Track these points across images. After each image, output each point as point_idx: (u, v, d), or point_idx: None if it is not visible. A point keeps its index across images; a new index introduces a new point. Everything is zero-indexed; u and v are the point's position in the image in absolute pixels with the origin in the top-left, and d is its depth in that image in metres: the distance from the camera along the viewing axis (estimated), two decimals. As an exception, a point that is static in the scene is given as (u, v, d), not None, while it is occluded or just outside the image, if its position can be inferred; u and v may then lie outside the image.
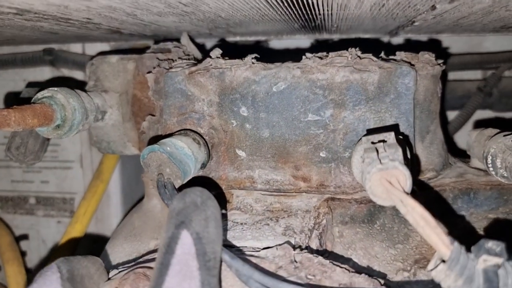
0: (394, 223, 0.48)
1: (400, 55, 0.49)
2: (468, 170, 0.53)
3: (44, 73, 0.81)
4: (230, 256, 0.31)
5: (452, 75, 0.82)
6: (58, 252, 0.77)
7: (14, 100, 0.74)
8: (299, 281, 0.34)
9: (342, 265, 0.36)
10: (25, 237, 0.88)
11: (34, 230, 0.88)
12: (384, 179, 0.33)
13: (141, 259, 0.42)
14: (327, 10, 0.47)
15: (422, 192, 0.49)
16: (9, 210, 0.88)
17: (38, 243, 0.89)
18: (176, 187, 0.40)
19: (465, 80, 0.82)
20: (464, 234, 0.49)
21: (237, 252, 0.37)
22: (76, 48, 0.80)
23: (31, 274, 0.81)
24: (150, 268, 0.36)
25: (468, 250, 0.31)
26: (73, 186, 0.85)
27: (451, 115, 0.82)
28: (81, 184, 0.84)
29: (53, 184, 0.86)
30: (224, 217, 0.44)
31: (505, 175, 0.46)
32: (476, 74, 0.83)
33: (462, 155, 0.58)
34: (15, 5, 0.37)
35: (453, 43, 0.80)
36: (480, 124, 0.58)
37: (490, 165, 0.47)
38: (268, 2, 0.42)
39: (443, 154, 0.52)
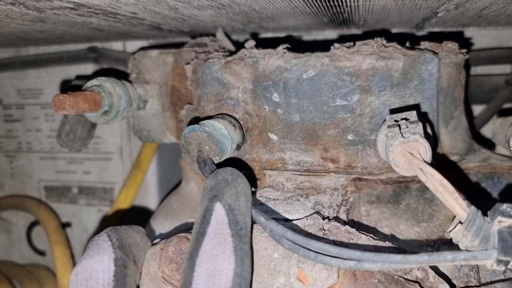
0: (419, 204, 0.50)
1: (424, 44, 0.51)
2: (492, 156, 0.55)
3: (88, 69, 0.87)
4: (265, 217, 0.35)
5: (480, 70, 0.83)
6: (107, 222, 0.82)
7: (66, 88, 0.80)
8: (327, 245, 0.37)
9: (367, 234, 0.39)
10: (68, 224, 0.94)
11: (77, 218, 0.94)
12: (406, 151, 0.35)
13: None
14: (354, 2, 0.50)
15: (449, 174, 0.51)
16: (54, 199, 0.94)
17: (80, 230, 0.94)
18: (215, 163, 0.43)
19: (493, 75, 0.83)
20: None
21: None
22: (117, 46, 0.85)
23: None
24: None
25: (485, 215, 0.33)
26: (113, 176, 0.90)
27: (479, 109, 0.83)
28: (121, 174, 0.89)
29: (94, 174, 0.91)
30: (254, 194, 0.48)
31: (526, 157, 0.48)
32: (505, 69, 0.84)
33: (488, 144, 0.59)
34: (74, -1, 0.42)
35: (482, 38, 0.81)
36: (507, 113, 0.59)
37: (512, 149, 0.49)
38: (299, -6, 0.45)
39: (467, 140, 0.54)
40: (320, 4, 0.50)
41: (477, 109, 0.82)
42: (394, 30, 0.76)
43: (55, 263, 0.77)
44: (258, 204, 0.45)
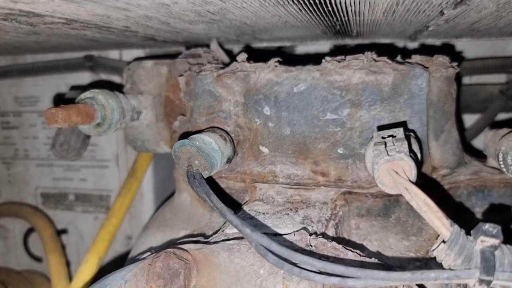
0: (409, 217, 0.50)
1: (415, 58, 0.52)
2: (483, 169, 0.55)
3: (84, 78, 0.88)
4: (250, 229, 0.35)
5: (475, 78, 0.83)
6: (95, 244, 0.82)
7: (60, 101, 0.81)
8: (313, 261, 0.37)
9: (354, 250, 0.39)
10: (64, 231, 0.94)
11: (73, 225, 0.94)
12: (391, 169, 0.36)
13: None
14: (344, 17, 0.50)
15: (435, 189, 0.51)
16: (51, 206, 0.95)
17: (76, 237, 0.95)
18: (204, 177, 0.44)
19: (488, 84, 0.83)
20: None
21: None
22: (114, 54, 0.86)
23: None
24: (181, 249, 0.40)
25: (468, 234, 0.33)
26: (109, 184, 0.91)
27: (474, 118, 0.83)
28: (117, 182, 0.90)
29: (91, 182, 0.92)
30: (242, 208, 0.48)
31: (516, 171, 0.48)
32: (500, 78, 0.84)
33: (481, 156, 0.60)
34: (66, 15, 0.42)
35: (476, 48, 0.81)
36: (501, 125, 0.59)
37: (501, 163, 0.49)
38: (287, 11, 0.45)
39: (457, 153, 0.54)
40: (310, 19, 0.51)
41: (472, 119, 0.82)
42: (388, 41, 0.77)
43: (50, 271, 0.77)
44: (247, 218, 0.45)
